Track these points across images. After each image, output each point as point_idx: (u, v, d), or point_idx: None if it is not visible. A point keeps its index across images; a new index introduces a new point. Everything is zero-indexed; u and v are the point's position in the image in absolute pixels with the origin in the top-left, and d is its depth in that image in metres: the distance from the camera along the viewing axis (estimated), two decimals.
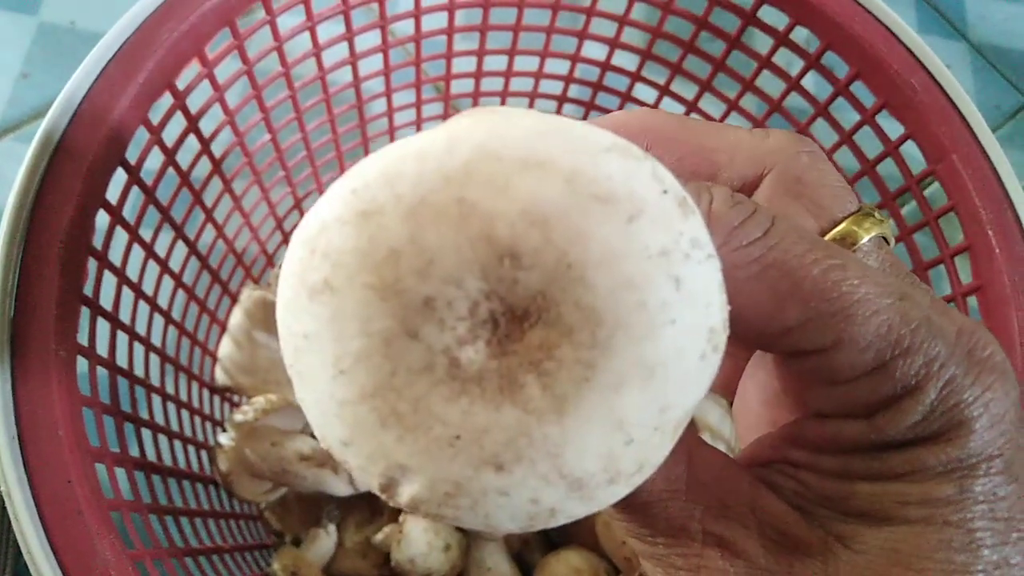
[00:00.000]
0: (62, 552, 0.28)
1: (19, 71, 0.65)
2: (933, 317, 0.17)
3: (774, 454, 0.19)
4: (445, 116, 0.56)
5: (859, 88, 0.43)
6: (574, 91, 0.55)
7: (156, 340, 0.41)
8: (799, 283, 0.17)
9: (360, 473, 0.16)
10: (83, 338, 0.33)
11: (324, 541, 0.46)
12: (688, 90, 0.51)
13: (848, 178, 0.46)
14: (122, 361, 0.37)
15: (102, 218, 0.35)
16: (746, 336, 0.18)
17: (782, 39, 0.45)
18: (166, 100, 0.38)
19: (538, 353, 0.15)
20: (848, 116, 0.45)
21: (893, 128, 0.43)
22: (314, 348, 0.15)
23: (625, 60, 0.52)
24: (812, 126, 0.48)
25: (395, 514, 0.46)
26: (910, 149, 0.42)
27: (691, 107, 0.52)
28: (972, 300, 0.40)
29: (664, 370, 0.15)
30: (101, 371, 0.34)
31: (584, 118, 0.56)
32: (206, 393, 0.48)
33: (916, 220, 0.43)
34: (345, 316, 0.15)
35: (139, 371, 0.39)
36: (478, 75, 0.53)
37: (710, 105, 0.51)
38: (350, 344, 0.15)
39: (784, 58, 0.46)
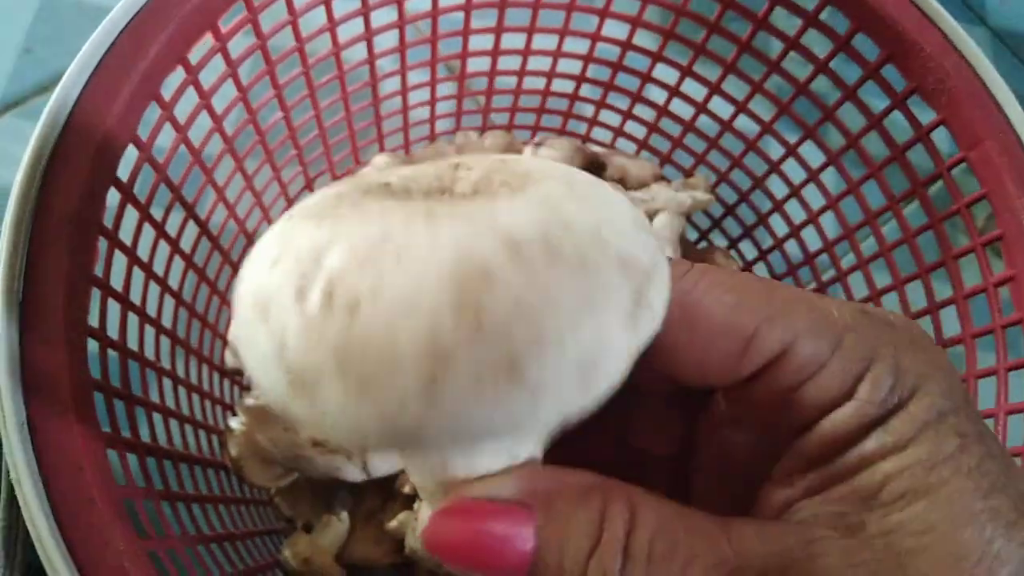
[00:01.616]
0: (74, 542, 0.27)
1: (22, 46, 0.63)
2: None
3: (786, 498, 0.19)
4: (459, 96, 0.54)
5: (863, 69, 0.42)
6: (592, 71, 0.54)
7: (167, 322, 0.40)
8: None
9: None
10: (93, 319, 0.32)
11: (336, 528, 0.45)
12: (711, 71, 0.50)
13: (876, 164, 0.45)
14: (132, 343, 0.36)
15: (111, 197, 0.33)
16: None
17: (811, 20, 0.44)
18: (177, 76, 0.36)
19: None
20: (875, 101, 0.44)
21: (923, 114, 0.42)
22: None
23: (646, 40, 0.50)
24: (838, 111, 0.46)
25: (409, 500, 0.45)
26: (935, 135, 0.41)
27: (714, 89, 0.51)
28: (1004, 291, 0.39)
29: None
30: (111, 354, 0.33)
31: (602, 99, 0.55)
32: (216, 376, 0.47)
33: (944, 208, 0.42)
34: None
35: (149, 353, 0.38)
36: (495, 53, 0.52)
37: (733, 87, 0.50)
38: None
39: (810, 39, 0.45)
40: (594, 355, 0.15)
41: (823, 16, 0.44)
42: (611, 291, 0.15)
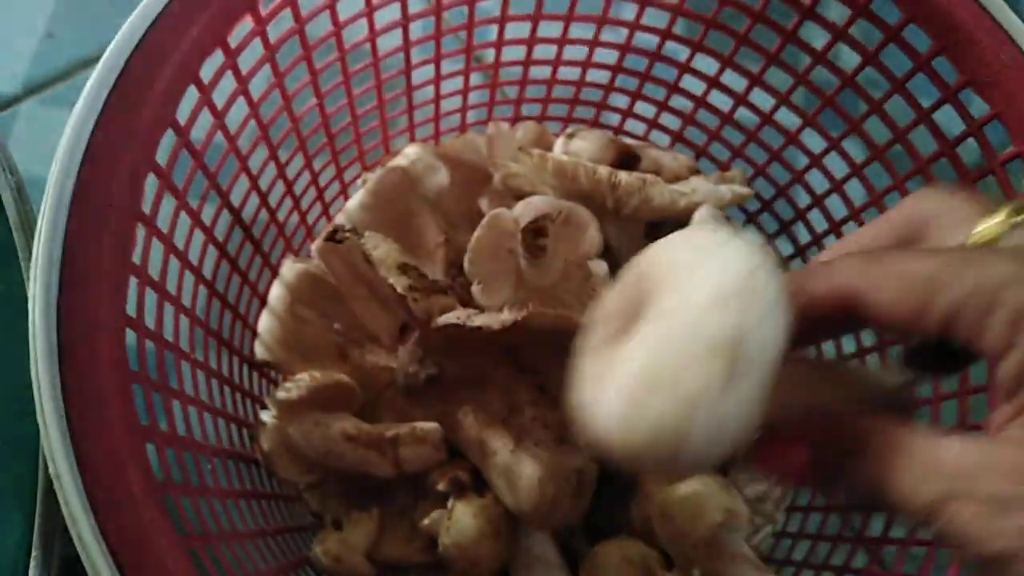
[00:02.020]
0: (115, 542, 0.26)
1: (44, 30, 0.62)
2: None
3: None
4: (492, 86, 0.53)
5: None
6: (629, 61, 0.53)
7: (200, 312, 0.39)
8: None
9: None
10: (131, 309, 0.31)
11: (367, 525, 0.44)
12: (753, 63, 0.49)
13: (924, 158, 0.44)
14: (168, 333, 0.35)
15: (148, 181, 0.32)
16: None
17: (861, 9, 0.43)
18: (214, 60, 0.35)
19: None
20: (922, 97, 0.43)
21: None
22: None
23: (687, 30, 0.49)
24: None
25: (442, 498, 0.44)
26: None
27: (755, 80, 0.50)
28: None
29: None
30: (148, 345, 0.32)
31: (638, 90, 0.54)
32: (246, 368, 0.46)
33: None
34: None
35: (184, 344, 0.37)
36: (530, 42, 0.50)
37: (775, 78, 0.48)
38: None
39: (857, 30, 0.44)
40: None
41: (873, 6, 0.42)
42: None
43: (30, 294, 0.28)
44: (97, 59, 0.31)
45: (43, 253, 0.29)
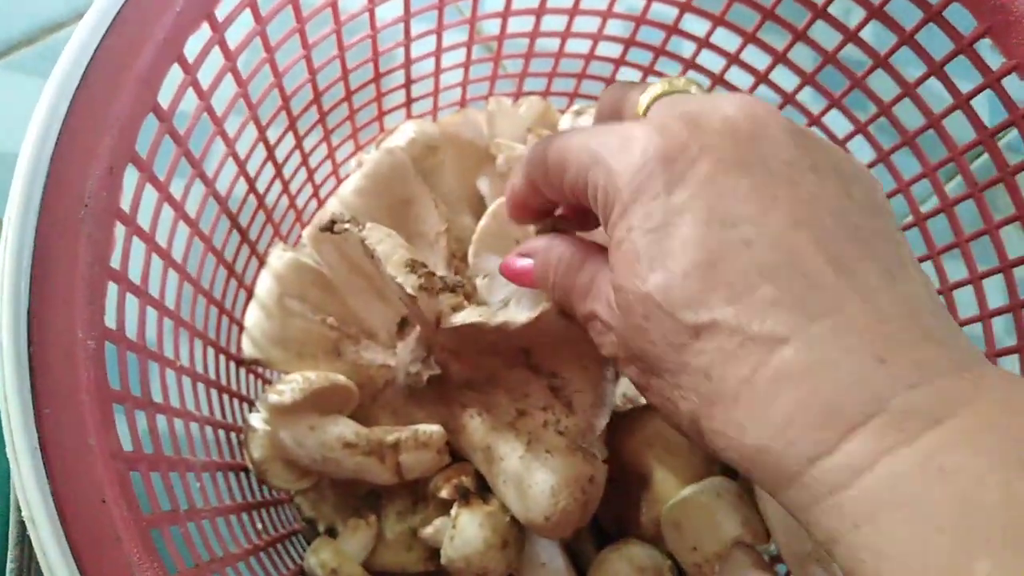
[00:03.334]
0: None
1: None
2: None
3: None
4: (496, 59, 0.50)
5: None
6: (643, 34, 0.49)
7: (185, 313, 0.35)
8: None
9: None
10: (110, 319, 0.27)
11: (364, 533, 0.42)
12: (779, 39, 0.46)
13: (959, 149, 0.41)
14: (151, 341, 0.31)
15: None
16: None
17: None
18: (200, 36, 0.31)
19: None
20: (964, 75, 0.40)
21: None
22: None
23: (708, 2, 0.46)
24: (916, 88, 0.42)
25: (442, 504, 0.41)
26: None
27: (779, 58, 0.46)
28: None
29: None
30: (130, 356, 0.29)
31: (651, 65, 0.51)
32: (233, 367, 0.42)
33: None
34: None
35: (168, 351, 0.33)
36: (539, 12, 0.47)
37: (800, 56, 0.45)
38: None
39: (894, 8, 0.41)
40: None
41: None
42: None
43: None
44: (68, 22, 0.28)
45: (10, 260, 0.25)
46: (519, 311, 0.35)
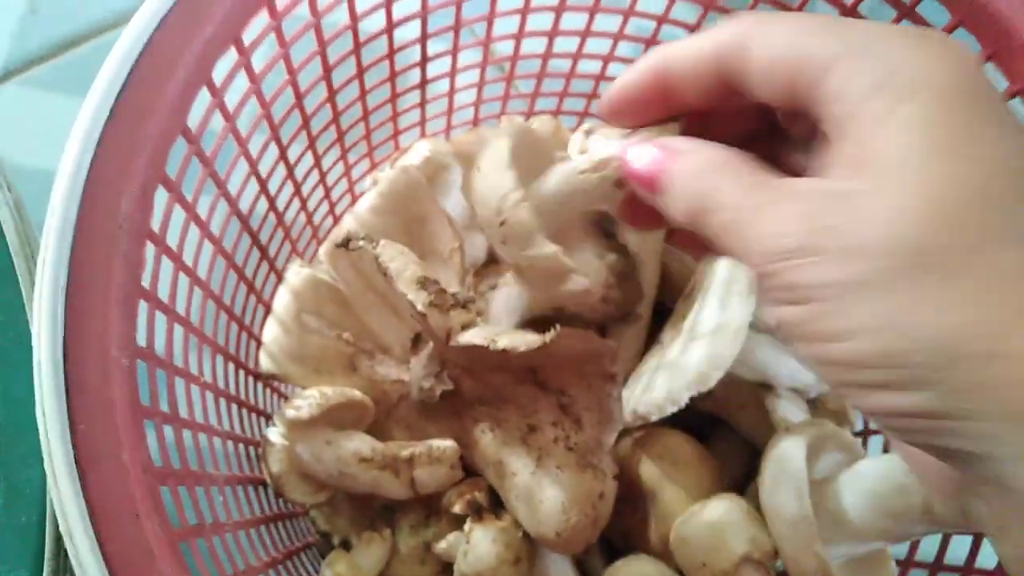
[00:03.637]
0: None
1: (26, 5, 0.58)
2: None
3: None
4: (508, 79, 0.51)
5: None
6: (623, 49, 0.50)
7: (208, 329, 0.36)
8: None
9: None
10: (141, 337, 0.28)
11: (378, 546, 0.42)
12: None
13: None
14: (178, 359, 0.32)
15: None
16: None
17: (906, 12, 0.40)
18: (229, 58, 0.32)
19: None
20: None
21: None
22: None
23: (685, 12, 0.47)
24: None
25: (457, 520, 0.42)
26: None
27: None
28: None
29: None
30: (159, 374, 0.30)
31: None
32: (251, 381, 0.43)
33: None
34: None
35: (193, 367, 0.34)
36: (552, 34, 0.48)
37: None
38: None
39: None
40: None
41: (920, 8, 0.40)
42: None
43: (34, 328, 0.25)
44: (85, 37, 0.28)
45: (48, 279, 0.26)
46: (521, 338, 0.36)
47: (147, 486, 0.26)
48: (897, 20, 0.41)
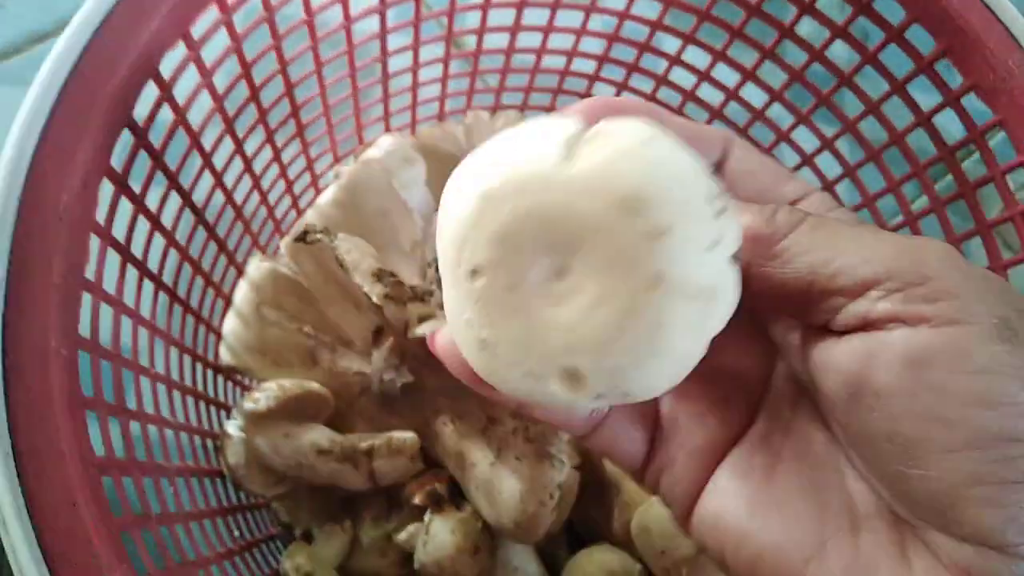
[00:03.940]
0: None
1: None
2: None
3: None
4: (472, 74, 0.51)
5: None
6: (616, 51, 0.50)
7: (161, 322, 0.36)
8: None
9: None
10: (84, 328, 0.28)
11: (339, 538, 0.43)
12: (748, 57, 0.47)
13: (921, 163, 0.42)
14: (126, 350, 0.32)
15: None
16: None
17: (862, 7, 0.41)
18: (175, 53, 0.32)
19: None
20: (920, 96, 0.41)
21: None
22: None
23: (679, 21, 0.47)
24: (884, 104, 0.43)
25: (418, 511, 0.42)
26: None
27: (748, 75, 0.47)
28: None
29: None
30: (104, 364, 0.30)
31: (625, 81, 0.52)
32: (211, 374, 0.43)
33: (993, 212, 0.40)
34: None
35: (143, 358, 0.34)
36: (514, 29, 0.48)
37: (769, 73, 0.47)
38: None
39: (859, 28, 0.42)
40: None
41: (876, 3, 0.41)
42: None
43: None
44: (52, 33, 0.29)
45: None
46: None
47: (86, 475, 0.26)
48: (853, 17, 0.41)
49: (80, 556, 0.25)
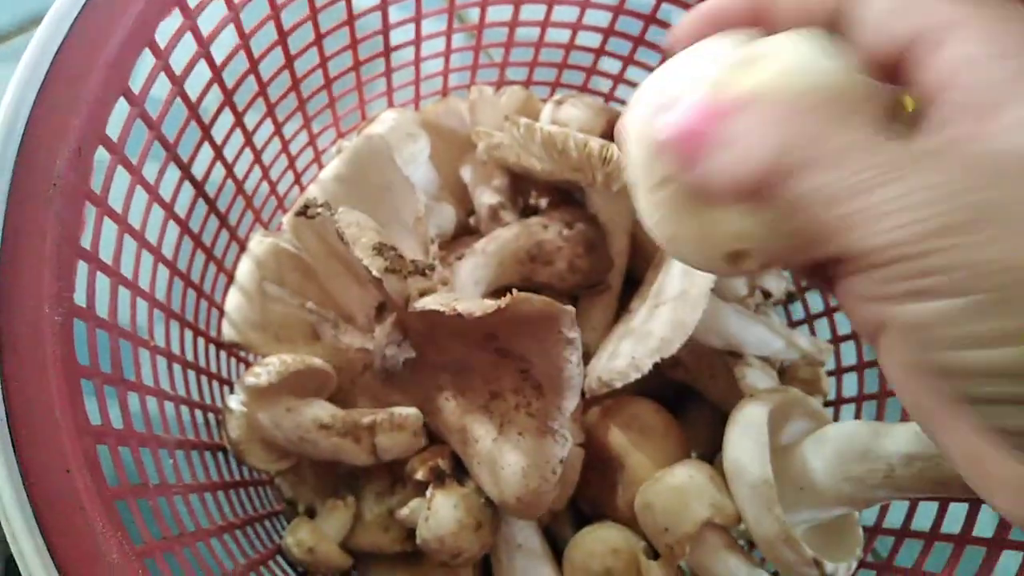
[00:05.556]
0: (62, 557, 0.24)
1: None
2: None
3: None
4: (476, 48, 0.50)
5: None
6: (622, 24, 0.50)
7: (160, 294, 0.36)
8: None
9: None
10: (80, 297, 0.28)
11: (341, 513, 0.42)
12: None
13: None
14: (124, 320, 0.32)
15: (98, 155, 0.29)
16: None
17: None
18: (172, 21, 0.32)
19: None
20: None
21: None
22: None
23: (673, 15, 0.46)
24: None
25: (421, 487, 0.42)
26: None
27: None
28: None
29: None
30: (100, 334, 0.30)
31: (631, 55, 0.51)
32: (213, 349, 0.43)
33: None
34: None
35: (142, 330, 0.34)
36: (517, 1, 0.47)
37: None
38: None
39: None
40: None
41: None
42: None
43: None
44: (43, 17, 0.28)
45: None
46: (477, 304, 0.35)
47: (81, 443, 0.26)
48: None
49: (74, 523, 0.25)
